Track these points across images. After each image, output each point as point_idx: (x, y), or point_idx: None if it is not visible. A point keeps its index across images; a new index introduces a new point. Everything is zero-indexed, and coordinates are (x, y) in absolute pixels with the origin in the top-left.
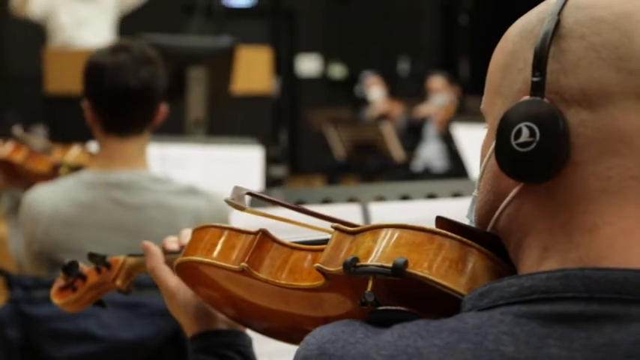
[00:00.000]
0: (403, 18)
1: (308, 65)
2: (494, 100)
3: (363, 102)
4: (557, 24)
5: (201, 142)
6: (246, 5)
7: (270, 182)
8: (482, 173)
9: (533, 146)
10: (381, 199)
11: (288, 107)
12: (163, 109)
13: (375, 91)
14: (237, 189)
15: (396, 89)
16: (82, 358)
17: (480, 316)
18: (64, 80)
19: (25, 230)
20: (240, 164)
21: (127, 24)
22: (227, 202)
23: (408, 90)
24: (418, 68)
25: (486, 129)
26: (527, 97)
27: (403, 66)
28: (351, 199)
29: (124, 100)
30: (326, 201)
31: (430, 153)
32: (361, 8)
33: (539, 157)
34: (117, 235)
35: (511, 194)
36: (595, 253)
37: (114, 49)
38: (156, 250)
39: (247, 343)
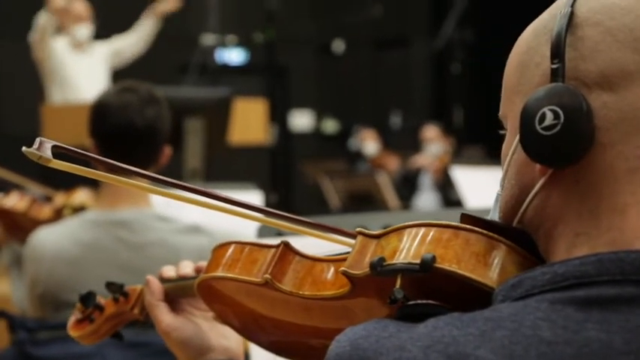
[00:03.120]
0: (394, 72)
1: (301, 120)
2: (513, 100)
3: (357, 155)
4: (571, 15)
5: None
6: (239, 63)
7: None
8: (506, 171)
9: (558, 128)
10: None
11: (283, 161)
12: (168, 150)
13: (370, 144)
14: (40, 140)
15: (389, 143)
16: None
17: (515, 306)
18: (60, 135)
19: (28, 272)
20: None
21: (123, 80)
22: (26, 152)
23: (401, 143)
24: (410, 122)
25: (505, 133)
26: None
27: (395, 120)
28: None
29: (129, 138)
30: None
31: (426, 202)
32: (352, 64)
33: (565, 139)
34: (122, 273)
35: (539, 184)
36: (628, 235)
37: (120, 90)
38: (156, 287)
39: None
